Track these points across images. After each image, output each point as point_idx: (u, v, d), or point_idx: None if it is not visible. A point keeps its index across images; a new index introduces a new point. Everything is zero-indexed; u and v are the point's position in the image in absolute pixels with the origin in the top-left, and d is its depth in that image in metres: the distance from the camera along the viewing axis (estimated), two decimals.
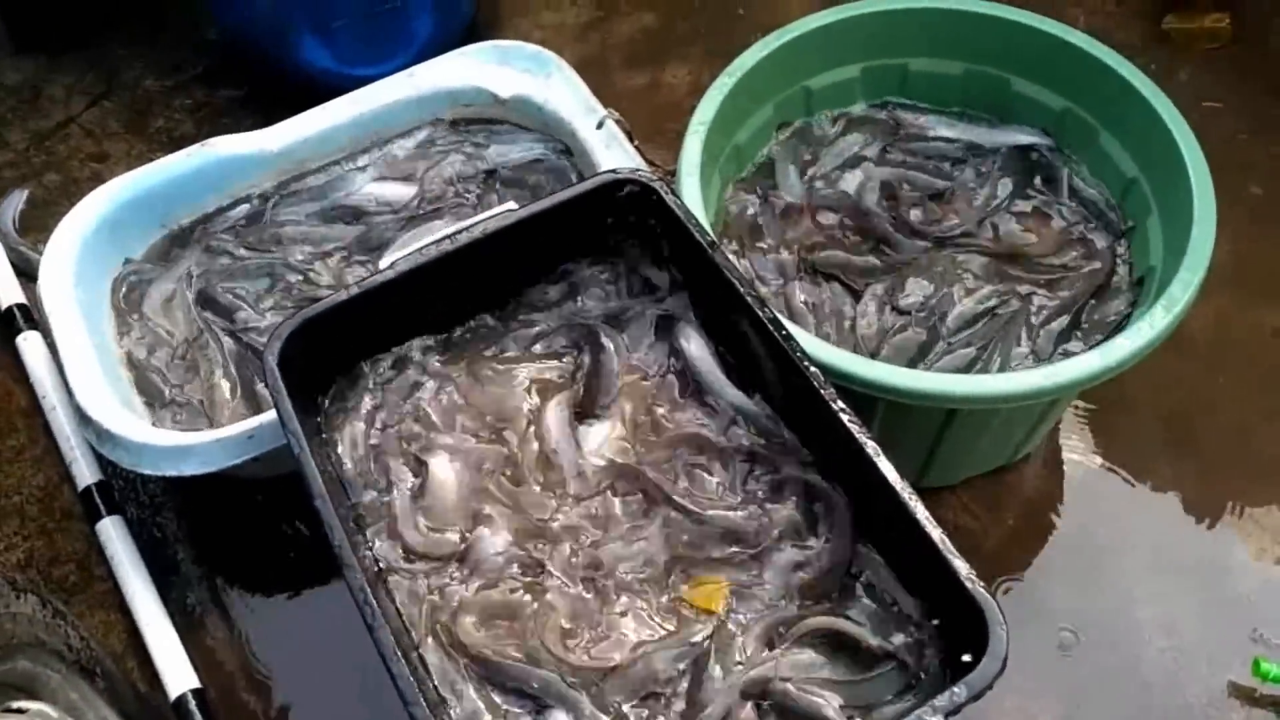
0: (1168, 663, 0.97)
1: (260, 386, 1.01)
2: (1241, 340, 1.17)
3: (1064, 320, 0.97)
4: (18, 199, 1.34)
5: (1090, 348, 0.90)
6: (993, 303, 0.98)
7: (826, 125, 1.13)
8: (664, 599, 0.78)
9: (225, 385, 1.02)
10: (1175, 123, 0.97)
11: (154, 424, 0.99)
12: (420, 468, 0.84)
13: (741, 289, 0.81)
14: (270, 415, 0.90)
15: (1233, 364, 1.16)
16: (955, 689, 0.63)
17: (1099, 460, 1.09)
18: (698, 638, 0.75)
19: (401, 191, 1.14)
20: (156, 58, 1.50)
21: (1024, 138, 1.09)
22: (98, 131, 1.43)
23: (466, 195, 1.13)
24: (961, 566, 0.67)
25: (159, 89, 1.47)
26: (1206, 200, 0.92)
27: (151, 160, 1.10)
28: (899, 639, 0.73)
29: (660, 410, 0.87)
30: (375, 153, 1.16)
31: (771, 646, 0.75)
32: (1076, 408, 1.12)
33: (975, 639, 0.66)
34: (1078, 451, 1.10)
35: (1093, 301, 0.99)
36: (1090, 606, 1.01)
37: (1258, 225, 1.25)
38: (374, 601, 0.69)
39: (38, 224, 1.30)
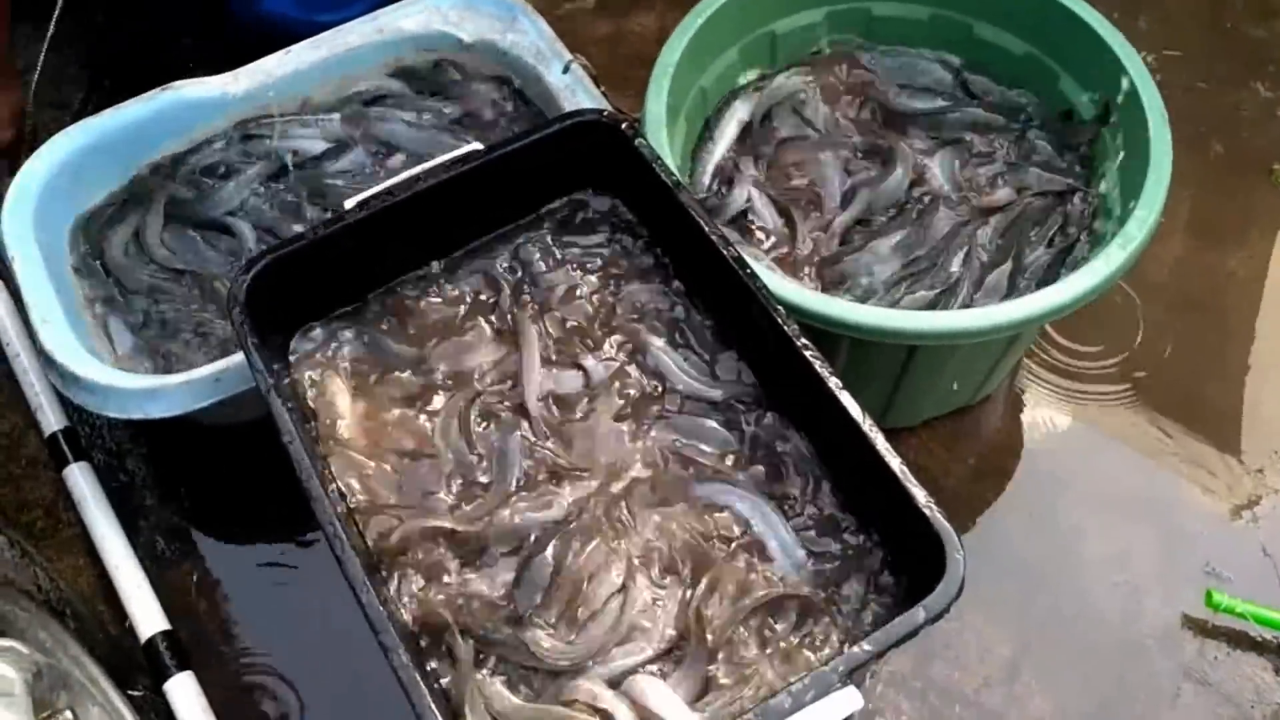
0: (1122, 596, 1.00)
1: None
2: (1198, 285, 1.20)
3: (1007, 267, 0.98)
4: None
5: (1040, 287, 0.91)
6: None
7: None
8: None
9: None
10: (1135, 67, 0.98)
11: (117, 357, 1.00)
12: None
13: (707, 228, 0.82)
14: (237, 358, 0.90)
15: (1189, 308, 1.18)
16: (914, 610, 0.65)
17: (1056, 402, 1.11)
18: None
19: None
20: (117, 5, 1.47)
21: None
22: (57, 78, 1.40)
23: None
24: (919, 494, 0.69)
25: (120, 37, 1.44)
26: (1162, 142, 0.93)
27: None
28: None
29: None
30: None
31: None
32: (1036, 350, 1.14)
33: (934, 566, 0.67)
34: (1036, 393, 1.12)
35: (1032, 240, 1.00)
36: (1047, 543, 1.03)
37: (1215, 172, 1.27)
38: (343, 534, 0.70)
39: None
